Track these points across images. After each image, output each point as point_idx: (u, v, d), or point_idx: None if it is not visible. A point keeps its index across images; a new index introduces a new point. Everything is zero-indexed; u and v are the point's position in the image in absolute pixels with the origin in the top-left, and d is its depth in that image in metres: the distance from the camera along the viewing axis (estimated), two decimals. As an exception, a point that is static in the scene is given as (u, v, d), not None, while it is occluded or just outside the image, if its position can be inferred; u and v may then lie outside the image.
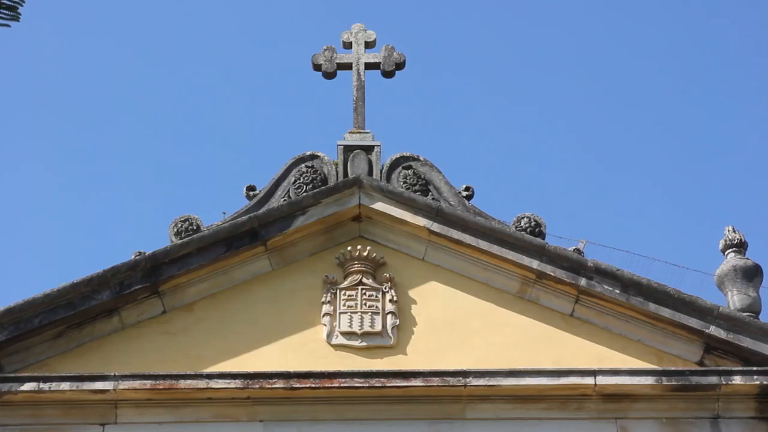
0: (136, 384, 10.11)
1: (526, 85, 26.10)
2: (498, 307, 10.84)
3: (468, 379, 10.19)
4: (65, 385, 10.05)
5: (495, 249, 10.88)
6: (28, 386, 10.04)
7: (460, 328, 10.74)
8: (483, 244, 10.90)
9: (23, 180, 25.17)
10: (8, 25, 5.14)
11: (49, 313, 10.43)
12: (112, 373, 10.12)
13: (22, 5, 5.05)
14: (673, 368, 10.33)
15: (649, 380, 10.20)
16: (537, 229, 11.03)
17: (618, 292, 10.64)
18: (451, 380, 10.20)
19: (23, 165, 25.45)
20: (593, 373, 10.23)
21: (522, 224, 11.07)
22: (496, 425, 10.24)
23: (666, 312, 10.55)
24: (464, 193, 11.38)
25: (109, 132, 25.77)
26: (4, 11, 5.12)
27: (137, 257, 10.68)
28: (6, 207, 24.54)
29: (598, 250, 11.39)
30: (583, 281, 10.71)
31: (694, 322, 10.50)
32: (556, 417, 10.25)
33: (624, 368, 10.31)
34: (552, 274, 10.76)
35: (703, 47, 26.14)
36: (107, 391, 10.08)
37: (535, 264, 10.79)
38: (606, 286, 10.67)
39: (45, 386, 10.04)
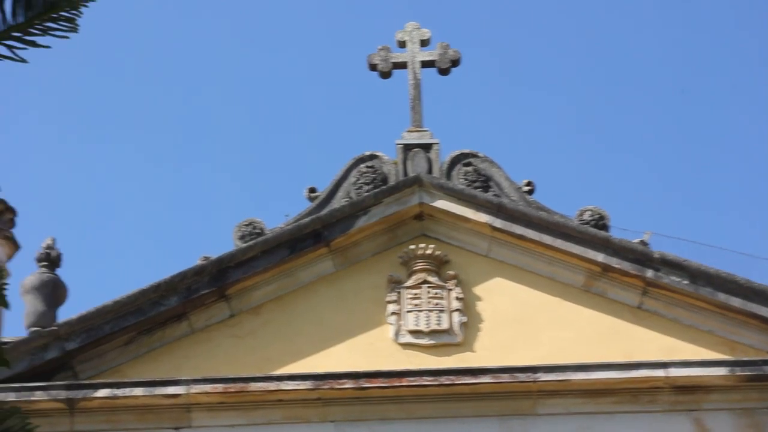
0: (208, 388, 10.16)
1: (583, 76, 26.01)
2: (564, 302, 10.80)
3: (537, 375, 10.16)
4: (138, 391, 10.12)
5: (559, 243, 10.85)
6: (102, 392, 10.11)
7: (527, 324, 10.71)
8: (546, 239, 10.88)
9: (91, 190, 25.42)
10: (68, 37, 5.19)
11: (119, 319, 10.50)
12: (184, 378, 10.18)
13: (80, 16, 5.11)
14: (746, 358, 10.26)
15: (721, 371, 10.13)
16: (601, 222, 10.99)
17: (686, 283, 10.58)
18: (521, 376, 10.18)
19: (89, 174, 25.69)
20: (664, 365, 10.17)
21: (585, 217, 11.03)
22: (568, 420, 10.20)
23: (736, 302, 10.48)
24: (525, 188, 11.35)
25: (173, 140, 25.97)
26: (63, 23, 5.17)
27: (203, 262, 10.74)
28: (74, 216, 24.78)
29: (663, 241, 11.31)
30: (650, 273, 10.66)
31: (765, 311, 10.42)
32: (628, 410, 10.20)
33: (695, 359, 10.25)
34: (618, 266, 10.71)
35: None
36: (180, 395, 10.14)
37: (600, 257, 10.75)
38: (673, 278, 10.62)
39: (119, 392, 10.11)
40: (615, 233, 10.93)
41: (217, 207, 25.37)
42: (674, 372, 10.13)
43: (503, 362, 10.31)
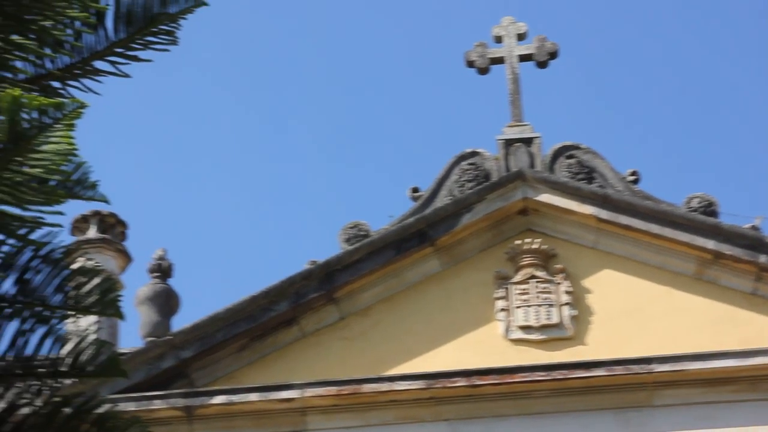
0: (322, 391, 10.23)
1: (683, 61, 25.63)
2: (676, 291, 10.66)
3: (652, 366, 10.04)
4: (254, 396, 10.23)
5: (667, 232, 10.70)
6: (219, 399, 10.25)
7: (639, 315, 10.59)
8: (654, 228, 10.74)
9: (199, 199, 25.83)
10: (168, 50, 5.28)
11: (231, 327, 10.64)
12: (298, 382, 10.27)
13: (179, 29, 5.19)
14: None
15: (842, 354, 9.90)
16: (710, 209, 10.82)
17: (801, 266, 10.37)
18: (635, 368, 10.07)
19: (196, 184, 26.09)
20: (782, 351, 9.98)
21: (693, 204, 10.87)
22: (686, 411, 10.06)
23: None
24: (630, 178, 11.22)
25: (277, 146, 26.25)
26: (163, 36, 5.26)
27: (311, 266, 10.82)
28: (183, 226, 25.20)
29: (776, 226, 11.07)
30: (763, 258, 10.46)
31: None
32: (748, 399, 10.03)
33: (814, 344, 10.04)
34: (729, 253, 10.54)
35: None
36: (294, 399, 10.23)
37: (710, 244, 10.59)
38: (788, 261, 10.41)
39: (235, 398, 10.24)
40: (725, 219, 10.77)
41: (323, 211, 25.58)
42: (793, 358, 9.93)
43: (616, 354, 10.20)
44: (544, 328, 10.59)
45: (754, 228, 10.70)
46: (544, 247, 10.86)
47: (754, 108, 25.53)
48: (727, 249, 10.55)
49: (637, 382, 10.07)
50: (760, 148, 25.36)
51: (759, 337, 10.29)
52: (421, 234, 10.95)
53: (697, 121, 25.62)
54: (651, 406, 10.09)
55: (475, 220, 10.98)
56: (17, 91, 4.62)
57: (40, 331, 5.89)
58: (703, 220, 10.69)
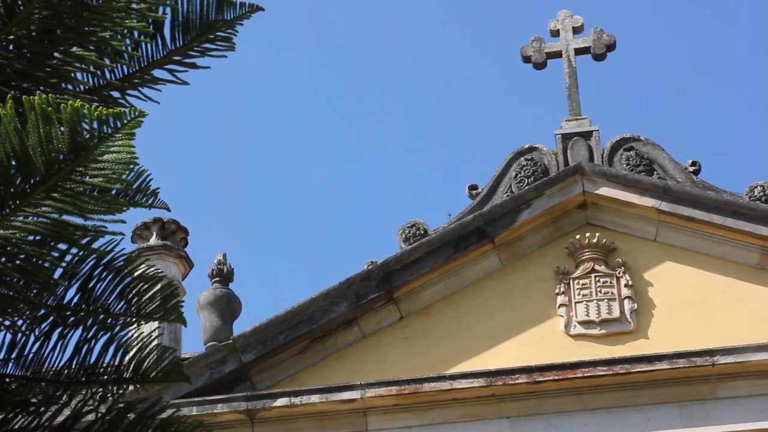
0: (382, 391, 10.23)
1: (740, 49, 25.33)
2: (739, 281, 10.54)
3: (715, 358, 9.94)
4: (315, 398, 10.25)
5: (729, 222, 10.58)
6: (280, 402, 10.28)
7: (701, 307, 10.48)
8: (716, 219, 10.63)
9: (257, 204, 25.98)
10: (225, 56, 5.31)
11: (292, 329, 10.67)
12: (359, 382, 10.27)
13: (236, 35, 5.21)
14: None
15: None
16: (772, 197, 10.68)
17: None
18: (698, 360, 9.97)
19: (255, 189, 26.23)
20: None
21: (756, 193, 10.74)
22: (750, 402, 9.95)
23: None
24: (691, 169, 11.11)
25: (333, 148, 26.33)
26: (220, 43, 5.28)
27: (370, 267, 10.82)
28: (242, 231, 25.34)
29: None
30: (828, 246, 10.32)
31: None
32: (813, 389, 9.89)
33: None
34: (793, 242, 10.40)
35: None
36: (355, 400, 10.23)
37: (774, 233, 10.46)
38: None
39: (296, 400, 10.26)
40: (787, 207, 10.61)
41: (381, 211, 25.59)
42: None
43: (679, 347, 10.10)
44: (604, 322, 10.52)
45: (817, 216, 10.55)
46: (603, 241, 10.78)
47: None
48: (791, 238, 10.42)
49: (700, 374, 9.97)
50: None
51: (824, 326, 10.15)
52: (480, 231, 10.91)
53: (757, 108, 25.33)
54: (715, 398, 9.99)
55: (533, 216, 10.92)
56: (78, 102, 4.66)
57: (104, 338, 5.95)
58: (766, 208, 10.56)
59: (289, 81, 26.68)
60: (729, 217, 10.60)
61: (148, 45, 5.08)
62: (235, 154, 26.47)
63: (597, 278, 10.66)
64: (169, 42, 5.05)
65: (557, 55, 11.84)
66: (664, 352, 10.07)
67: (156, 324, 10.10)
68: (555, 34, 11.96)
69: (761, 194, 10.74)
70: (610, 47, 11.83)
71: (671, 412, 10.02)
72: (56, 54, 4.91)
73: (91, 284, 5.75)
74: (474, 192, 11.37)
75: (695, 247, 10.72)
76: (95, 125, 4.87)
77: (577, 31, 11.90)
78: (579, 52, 11.81)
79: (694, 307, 10.50)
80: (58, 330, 5.82)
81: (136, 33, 5.03)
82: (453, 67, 26.27)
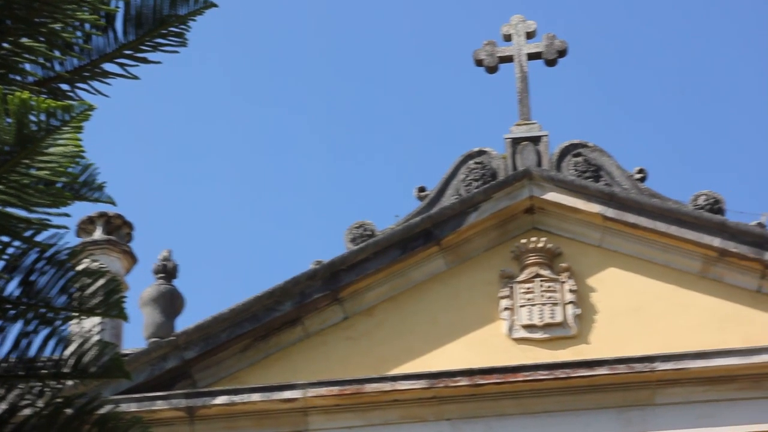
0: (324, 391, 10.21)
1: (689, 59, 25.58)
2: (681, 289, 10.64)
3: (655, 364, 10.02)
4: (256, 397, 10.21)
5: (673, 230, 10.68)
6: (221, 399, 10.23)
7: (643, 313, 10.56)
8: (660, 226, 10.71)
9: (203, 201, 25.81)
10: (177, 51, 5.27)
11: (235, 327, 10.61)
12: (300, 382, 10.24)
13: (189, 30, 5.17)
14: None
15: None
16: (716, 206, 10.79)
17: (807, 264, 10.34)
18: (638, 366, 10.05)
19: (201, 185, 26.08)
20: (786, 349, 9.95)
21: (700, 202, 10.84)
22: (688, 409, 10.04)
23: None
24: (637, 176, 11.19)
25: (282, 147, 26.23)
26: (173, 38, 5.24)
27: (316, 266, 10.79)
28: (188, 228, 25.18)
29: (782, 223, 11.04)
30: (768, 256, 10.44)
31: None
32: (750, 397, 10.01)
33: (820, 342, 10.01)
34: (735, 250, 10.51)
35: None
36: (297, 399, 10.20)
37: (716, 242, 10.56)
38: (793, 260, 10.38)
39: (237, 398, 10.21)
40: (731, 217, 10.74)
41: (328, 210, 25.54)
42: (797, 356, 9.90)
43: (619, 353, 10.18)
44: (547, 326, 10.57)
45: (759, 225, 10.68)
46: (549, 245, 10.83)
47: (760, 106, 25.51)
48: (732, 246, 10.53)
49: (639, 380, 10.06)
50: (766, 146, 25.35)
51: (763, 334, 10.27)
52: (427, 233, 10.92)
53: (704, 119, 25.60)
54: (653, 404, 10.08)
55: (481, 219, 10.95)
56: (26, 94, 4.60)
57: (44, 332, 5.88)
58: (709, 217, 10.66)
59: (246, 77, 26.57)
60: (673, 225, 10.70)
61: (100, 38, 5.03)
62: (182, 150, 26.31)
63: (541, 283, 10.71)
64: (120, 36, 5.00)
65: (509, 59, 11.86)
66: (605, 357, 10.14)
67: (98, 319, 10.02)
68: (508, 38, 11.98)
69: (705, 203, 10.85)
70: (562, 53, 11.88)
71: (610, 417, 10.09)
72: (5, 44, 4.85)
73: (33, 278, 5.68)
74: (422, 194, 11.37)
75: (639, 254, 10.80)
76: (43, 117, 4.80)
77: (529, 36, 11.94)
78: (531, 57, 11.84)
79: (636, 313, 10.58)
80: (-2, 323, 5.74)
81: (87, 25, 4.97)
82: (405, 69, 26.31)
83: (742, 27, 25.60)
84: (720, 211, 10.79)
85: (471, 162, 11.36)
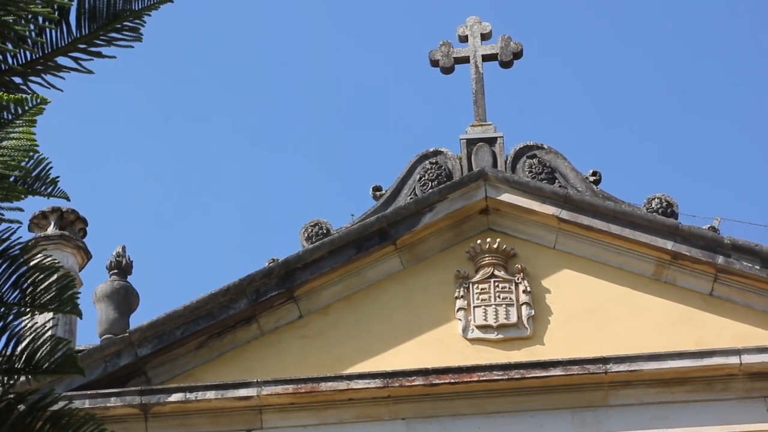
0: (279, 389, 10.20)
1: (644, 65, 25.78)
2: (634, 291, 10.72)
3: (608, 366, 10.09)
4: (210, 394, 10.19)
5: (627, 232, 10.76)
6: (175, 397, 10.20)
7: (596, 315, 10.64)
8: (614, 229, 10.79)
9: (159, 197, 25.69)
10: (132, 46, 5.26)
11: (190, 324, 10.59)
12: (255, 380, 10.23)
13: (144, 25, 5.17)
14: (822, 342, 10.11)
15: (797, 356, 9.99)
16: (669, 210, 10.89)
17: (758, 267, 10.46)
18: (591, 368, 10.12)
19: (157, 182, 25.96)
20: (737, 352, 10.05)
21: (653, 205, 10.93)
22: (641, 411, 10.12)
23: (810, 285, 10.33)
24: (592, 178, 11.27)
25: (235, 142, 26.16)
26: (128, 33, 5.23)
27: (271, 264, 10.79)
28: (143, 224, 25.05)
29: (734, 227, 11.19)
30: (720, 259, 10.54)
31: (841, 295, 10.26)
32: (702, 399, 10.10)
33: (770, 345, 10.12)
34: (688, 254, 10.61)
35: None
36: (251, 397, 10.19)
37: (669, 245, 10.65)
38: (745, 263, 10.49)
39: (191, 396, 10.19)
40: (684, 220, 10.85)
41: (284, 209, 25.51)
42: (748, 359, 10.01)
43: (573, 354, 10.24)
44: (502, 327, 10.62)
45: (712, 229, 10.79)
46: (504, 246, 10.89)
47: (715, 110, 25.76)
48: (685, 250, 10.62)
49: (593, 381, 10.12)
50: (719, 151, 25.59)
51: (715, 337, 10.37)
52: (382, 233, 10.94)
53: (659, 122, 25.81)
54: (606, 405, 10.14)
55: (436, 220, 10.99)
56: (-23, 87, 4.57)
57: (-4, 327, 5.83)
58: (662, 221, 10.75)
59: (197, 74, 26.48)
60: (626, 228, 10.78)
61: (53, 31, 5.01)
62: (137, 146, 26.19)
63: (496, 283, 10.75)
64: (74, 29, 4.99)
65: (465, 60, 11.92)
66: (559, 358, 10.20)
67: (51, 315, 9.98)
68: (463, 39, 12.04)
69: (659, 206, 10.93)
70: (517, 55, 11.95)
71: (564, 418, 10.15)
72: (-43, 37, 4.82)
73: (-16, 272, 5.64)
74: (378, 193, 11.39)
75: (593, 256, 10.87)
76: (-5, 110, 4.77)
77: (485, 37, 12.00)
78: (486, 58, 11.90)
79: (590, 315, 10.65)
80: (-51, 318, 5.70)
81: (41, 18, 4.95)
82: (362, 67, 26.33)
83: (692, 28, 25.84)
84: (673, 214, 10.89)
85: (426, 162, 11.40)
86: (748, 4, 25.64)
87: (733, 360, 10.03)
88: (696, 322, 10.51)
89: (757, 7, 25.12)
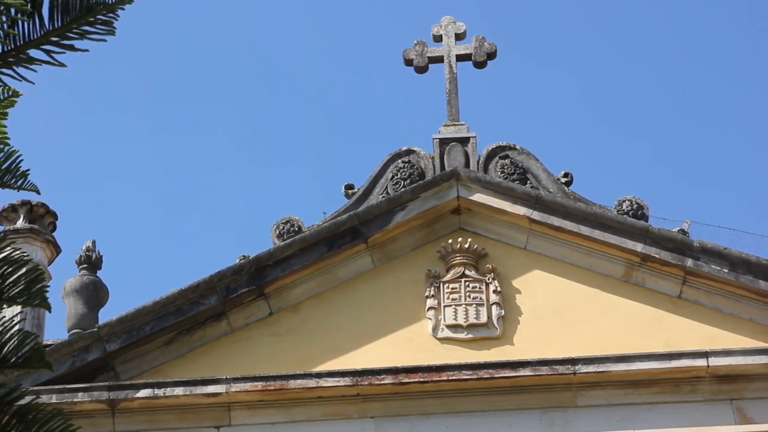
0: (248, 386, 10.19)
1: (619, 68, 25.90)
2: (603, 293, 10.76)
3: (577, 367, 10.13)
4: (179, 390, 10.16)
5: (597, 234, 10.80)
6: (143, 393, 10.17)
7: (566, 316, 10.67)
8: (585, 230, 10.84)
9: (130, 193, 25.59)
10: (105, 40, 5.24)
11: (159, 320, 10.56)
12: (224, 377, 10.21)
13: (117, 19, 5.15)
14: (787, 346, 10.18)
15: (763, 359, 10.06)
16: (639, 212, 10.94)
17: (726, 271, 10.52)
18: (560, 368, 10.15)
19: (128, 177, 25.85)
20: (705, 354, 10.11)
21: (624, 207, 10.98)
22: (609, 411, 10.16)
23: (777, 289, 10.39)
24: (563, 180, 11.31)
25: (206, 137, 26.08)
26: (101, 26, 5.21)
27: (242, 261, 10.77)
28: (114, 219, 24.95)
29: (703, 230, 11.26)
30: (689, 262, 10.60)
31: (807, 299, 10.33)
32: (669, 401, 10.15)
33: (737, 348, 10.18)
34: (657, 256, 10.66)
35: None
36: (220, 394, 10.17)
37: (639, 247, 10.70)
38: (713, 266, 10.55)
39: (160, 392, 10.16)
40: (654, 223, 10.91)
41: (255, 206, 25.47)
42: (715, 361, 10.07)
43: (542, 355, 10.27)
44: (472, 327, 10.64)
45: (682, 232, 10.84)
46: (475, 246, 10.91)
47: (685, 113, 25.91)
48: (654, 252, 10.67)
49: (561, 382, 10.15)
50: (690, 154, 25.73)
51: (682, 339, 10.42)
52: (354, 231, 10.94)
53: (630, 125, 25.93)
54: (575, 406, 10.18)
55: (408, 218, 11.00)
56: (-52, 78, 4.53)
57: (-37, 320, 5.79)
58: (632, 223, 10.80)
59: (167, 71, 26.39)
60: (597, 229, 10.82)
61: (26, 24, 4.98)
62: (107, 140, 26.07)
63: (467, 283, 10.77)
64: (47, 22, 4.97)
65: (439, 60, 11.94)
66: (528, 358, 10.23)
67: (19, 308, 9.93)
68: (438, 39, 12.06)
69: (629, 208, 10.98)
70: (491, 55, 11.97)
71: (532, 418, 10.18)
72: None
73: (-48, 264, 5.60)
74: (350, 191, 11.39)
75: (563, 257, 10.91)
76: (-34, 102, 4.73)
77: (459, 37, 12.03)
78: (460, 58, 11.93)
79: (560, 315, 10.69)
80: None
81: (13, 10, 4.93)
82: (336, 66, 26.31)
83: (659, 28, 25.98)
84: (643, 216, 10.94)
85: (399, 161, 11.42)
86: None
87: (701, 362, 10.08)
88: (664, 324, 10.56)
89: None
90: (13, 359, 5.81)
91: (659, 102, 25.91)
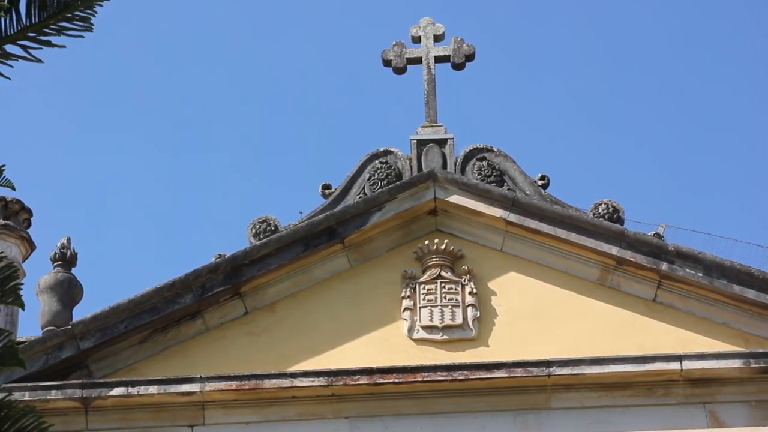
0: (222, 385, 10.17)
1: (596, 70, 25.98)
2: (578, 295, 10.79)
3: (552, 369, 10.16)
4: (153, 389, 10.13)
5: (573, 237, 10.83)
6: (117, 391, 10.14)
7: (541, 318, 10.70)
8: (561, 233, 10.86)
9: (106, 189, 25.50)
10: (83, 36, 5.22)
11: (134, 318, 10.52)
12: (199, 375, 10.19)
13: (95, 15, 5.13)
14: (761, 350, 10.23)
15: (736, 363, 10.11)
16: (615, 215, 10.97)
17: (701, 275, 10.57)
18: (535, 370, 10.17)
19: (104, 174, 25.75)
20: (679, 358, 10.16)
21: (600, 211, 11.01)
22: (582, 414, 10.20)
23: (751, 293, 10.45)
24: (540, 182, 11.33)
25: (183, 135, 26.01)
26: (78, 23, 5.19)
27: (217, 260, 10.75)
28: (89, 216, 24.85)
29: (678, 234, 11.31)
30: (664, 266, 10.64)
31: (780, 303, 10.39)
32: (643, 404, 10.19)
33: (710, 352, 10.23)
34: (632, 259, 10.70)
35: None
36: (194, 393, 10.15)
37: (614, 250, 10.74)
38: (688, 270, 10.60)
39: (133, 390, 10.13)
40: (629, 226, 10.93)
41: (232, 204, 25.42)
42: (689, 365, 10.12)
43: (517, 357, 10.29)
44: (447, 328, 10.65)
45: (657, 235, 10.89)
46: (451, 248, 10.92)
47: (663, 116, 26.01)
48: (630, 255, 10.71)
49: (536, 384, 10.17)
50: (666, 158, 25.83)
51: (657, 343, 10.47)
52: (331, 231, 10.94)
53: (607, 129, 26.01)
54: (549, 408, 10.20)
55: (385, 219, 11.00)
56: (-77, 72, 4.50)
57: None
58: (608, 226, 10.83)
59: (145, 67, 26.33)
60: (573, 232, 10.84)
61: (3, 19, 4.95)
62: (84, 137, 25.98)
63: (443, 284, 10.79)
64: (24, 18, 4.95)
65: (417, 61, 11.95)
66: (503, 360, 10.25)
67: (-7, 305, 9.87)
68: (416, 40, 12.07)
69: (605, 212, 11.02)
70: (470, 57, 11.99)
71: (506, 420, 10.20)
72: None
73: (-74, 261, 5.56)
74: (327, 192, 11.38)
75: (539, 260, 10.94)
76: (-59, 97, 4.70)
77: (438, 39, 12.04)
78: (439, 59, 11.93)
79: (535, 318, 10.71)
80: None
81: (-10, 6, 4.90)
82: (314, 66, 26.30)
83: (637, 30, 26.09)
84: (619, 220, 10.98)
85: (377, 161, 11.41)
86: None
87: (674, 366, 10.13)
88: (639, 327, 10.60)
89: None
90: (-14, 356, 5.78)
91: (637, 106, 26.02)
